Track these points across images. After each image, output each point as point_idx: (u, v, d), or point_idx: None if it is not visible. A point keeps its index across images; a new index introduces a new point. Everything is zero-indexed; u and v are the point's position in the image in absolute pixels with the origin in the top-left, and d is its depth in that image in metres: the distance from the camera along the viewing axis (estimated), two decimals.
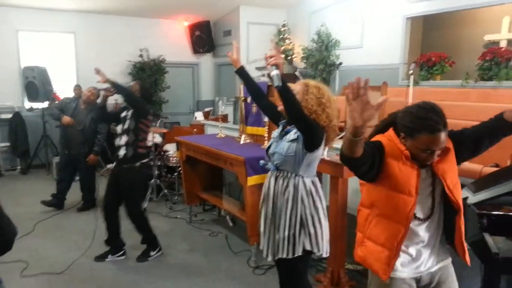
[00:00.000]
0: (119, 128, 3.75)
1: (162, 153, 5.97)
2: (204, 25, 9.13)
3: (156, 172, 5.67)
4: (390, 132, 1.77)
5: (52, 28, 7.84)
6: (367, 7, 7.24)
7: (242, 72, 2.50)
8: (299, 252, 2.28)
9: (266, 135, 3.96)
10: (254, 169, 3.40)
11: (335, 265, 3.15)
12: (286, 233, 2.28)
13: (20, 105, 7.58)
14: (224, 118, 5.60)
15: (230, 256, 3.93)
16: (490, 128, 1.82)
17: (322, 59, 7.69)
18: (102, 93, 3.80)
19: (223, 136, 4.62)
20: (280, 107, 2.23)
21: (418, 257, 1.79)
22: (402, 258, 1.78)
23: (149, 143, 5.70)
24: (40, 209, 5.14)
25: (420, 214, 1.75)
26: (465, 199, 2.25)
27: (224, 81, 9.51)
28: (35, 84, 6.92)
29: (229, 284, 3.41)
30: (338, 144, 3.59)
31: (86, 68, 7.77)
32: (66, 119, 5.14)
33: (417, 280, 1.84)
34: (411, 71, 5.23)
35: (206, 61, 9.76)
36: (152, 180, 5.59)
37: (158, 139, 5.99)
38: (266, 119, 3.86)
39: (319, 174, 3.92)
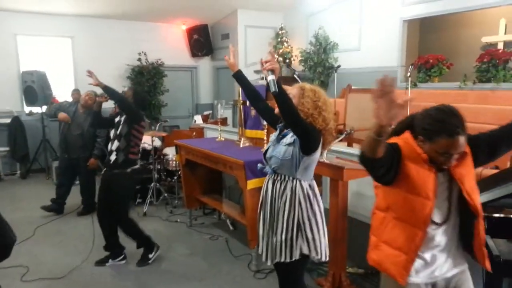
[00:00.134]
0: (111, 133, 3.75)
1: (162, 156, 5.97)
2: (202, 29, 9.16)
3: (156, 176, 5.67)
4: (407, 134, 1.75)
5: (50, 33, 7.86)
6: (364, 10, 7.28)
7: (239, 76, 2.49)
8: (296, 256, 2.29)
9: (265, 138, 3.97)
10: (253, 173, 3.40)
11: (336, 268, 3.15)
12: (283, 237, 2.28)
13: (19, 110, 7.58)
14: (223, 122, 5.60)
15: (230, 260, 3.92)
16: (507, 133, 1.79)
17: (320, 62, 7.73)
18: (98, 98, 3.81)
19: (223, 139, 4.62)
20: (277, 110, 2.23)
21: (433, 262, 1.76)
22: (417, 263, 1.75)
23: (149, 147, 5.72)
24: (39, 214, 5.13)
25: (436, 218, 1.72)
26: None
27: (223, 85, 9.53)
28: (34, 88, 6.92)
29: None
30: (337, 147, 3.61)
31: (84, 73, 7.65)
32: (62, 115, 5.17)
33: (432, 286, 1.81)
34: (409, 73, 5.26)
35: (205, 65, 9.79)
36: (152, 184, 5.59)
37: (157, 142, 5.99)
38: (265, 122, 3.87)
39: (319, 177, 3.95)
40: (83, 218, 5.08)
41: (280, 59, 8.47)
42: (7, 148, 7.39)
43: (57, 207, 5.23)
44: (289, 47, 8.59)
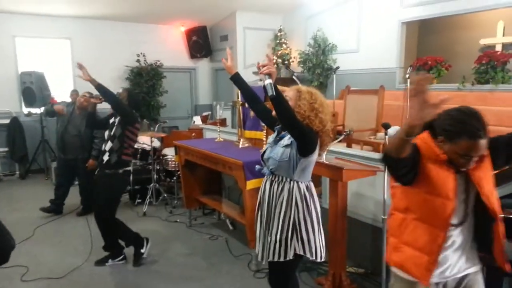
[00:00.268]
0: (106, 134, 3.75)
1: (161, 157, 5.98)
2: (201, 30, 9.17)
3: (155, 176, 5.67)
4: (425, 134, 1.72)
5: (49, 34, 7.85)
6: (363, 12, 7.31)
7: (237, 79, 2.50)
8: (290, 256, 2.30)
9: (264, 139, 3.98)
10: (253, 173, 3.41)
11: (336, 268, 3.16)
12: (278, 237, 2.30)
13: (18, 110, 7.57)
14: (222, 122, 5.61)
15: (230, 259, 3.93)
16: None
17: (319, 64, 7.75)
18: (92, 100, 3.80)
19: (222, 140, 4.63)
20: (274, 113, 2.25)
21: (444, 262, 1.76)
22: None
23: (148, 148, 5.72)
24: (39, 214, 5.13)
25: (454, 220, 1.72)
26: None
27: (222, 86, 9.55)
28: (33, 89, 6.92)
29: None
30: (336, 147, 3.62)
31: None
32: (58, 106, 5.16)
33: (443, 285, 1.81)
34: (408, 75, 5.28)
35: (203, 66, 9.80)
36: (151, 184, 5.59)
37: (156, 143, 5.99)
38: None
39: (318, 177, 3.96)
40: (83, 218, 5.07)
41: (279, 60, 8.49)
42: (6, 149, 7.39)
43: (55, 208, 5.23)
44: (288, 48, 8.61)
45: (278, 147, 2.34)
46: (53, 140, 7.06)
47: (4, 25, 7.37)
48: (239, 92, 4.24)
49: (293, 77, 5.34)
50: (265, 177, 2.46)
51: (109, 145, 3.65)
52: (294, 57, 8.43)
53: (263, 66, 2.17)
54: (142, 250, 3.84)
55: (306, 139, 2.23)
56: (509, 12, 6.01)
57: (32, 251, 4.13)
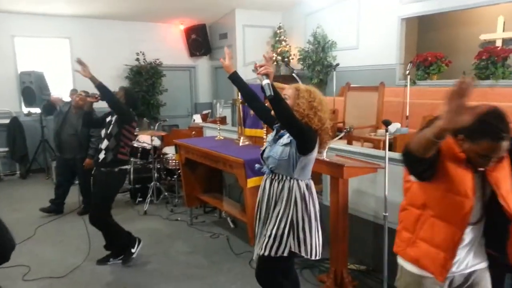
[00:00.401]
0: (102, 132, 3.74)
1: (161, 156, 5.98)
2: (200, 29, 9.16)
3: (156, 175, 5.67)
4: None
5: (48, 34, 7.84)
6: (362, 9, 7.29)
7: (235, 78, 2.50)
8: (283, 253, 2.31)
9: (264, 137, 3.97)
10: (253, 171, 3.40)
11: (337, 265, 3.16)
12: (274, 232, 2.31)
13: (17, 110, 7.57)
14: (223, 121, 5.61)
15: (231, 257, 3.93)
16: None
17: (318, 61, 7.74)
18: (88, 99, 3.79)
19: (222, 138, 4.62)
20: (273, 112, 2.25)
21: None
22: None
23: (148, 146, 5.71)
24: (40, 214, 5.14)
25: (472, 218, 1.70)
26: None
27: (221, 84, 9.54)
28: (32, 89, 6.91)
29: (231, 286, 3.41)
30: (337, 144, 3.62)
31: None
32: (54, 97, 5.17)
33: (450, 281, 1.81)
34: (408, 71, 5.27)
35: (203, 64, 9.79)
36: (152, 183, 5.59)
37: (156, 142, 5.99)
38: None
39: (319, 175, 3.96)
40: (84, 217, 5.06)
41: (279, 58, 8.48)
42: (6, 149, 7.39)
43: (56, 208, 5.23)
44: (288, 46, 8.59)
45: (278, 146, 2.35)
46: (52, 139, 7.07)
47: (3, 24, 7.35)
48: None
49: (293, 74, 5.34)
50: (265, 175, 2.46)
51: (105, 143, 3.65)
52: (294, 55, 8.41)
53: (261, 66, 2.17)
54: (132, 250, 3.81)
55: (305, 138, 2.24)
56: (509, 7, 5.99)
57: (33, 250, 4.13)
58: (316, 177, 4.05)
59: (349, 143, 4.85)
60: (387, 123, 2.82)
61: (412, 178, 1.78)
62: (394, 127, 2.92)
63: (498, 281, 2.11)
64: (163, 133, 6.39)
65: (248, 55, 8.57)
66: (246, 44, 8.65)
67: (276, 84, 2.56)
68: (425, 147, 1.48)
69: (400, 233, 1.93)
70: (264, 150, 2.46)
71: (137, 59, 8.50)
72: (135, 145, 5.72)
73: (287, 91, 2.34)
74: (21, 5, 7.08)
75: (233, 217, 4.56)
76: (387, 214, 2.82)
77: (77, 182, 5.44)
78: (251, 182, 3.43)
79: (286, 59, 8.43)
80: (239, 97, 4.32)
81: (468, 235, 1.74)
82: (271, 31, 8.84)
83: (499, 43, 6.17)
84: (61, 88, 7.56)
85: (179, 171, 5.41)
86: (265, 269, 2.46)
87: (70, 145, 5.12)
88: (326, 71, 7.74)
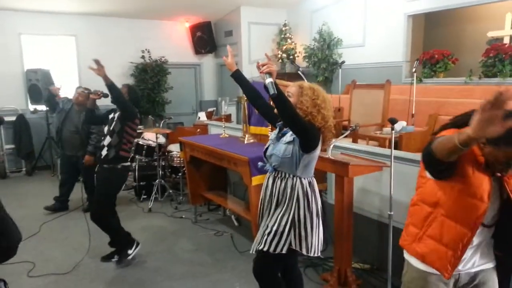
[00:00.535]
0: (105, 129, 3.74)
1: (166, 153, 5.99)
2: (205, 26, 9.15)
3: (161, 172, 5.68)
4: None
5: (54, 31, 7.87)
6: (368, 5, 7.24)
7: (237, 76, 2.49)
8: (282, 250, 2.30)
9: (269, 134, 3.95)
10: (258, 169, 3.38)
11: (341, 264, 3.14)
12: (275, 228, 2.31)
13: (24, 108, 7.61)
14: (227, 118, 5.60)
15: (236, 255, 3.93)
16: None
17: (324, 58, 7.71)
18: (91, 96, 3.79)
19: (227, 136, 4.62)
20: (276, 110, 2.24)
21: None
22: None
23: (153, 144, 5.72)
24: (45, 211, 5.17)
25: (486, 220, 1.69)
26: None
27: (227, 81, 9.53)
28: (38, 86, 6.94)
29: (235, 284, 3.41)
30: (342, 143, 3.60)
31: (87, 71, 7.74)
32: (53, 87, 5.18)
33: (455, 279, 1.81)
34: (414, 69, 5.23)
35: (208, 62, 9.78)
36: (157, 180, 5.60)
37: (161, 139, 6.00)
38: None
39: (324, 173, 3.94)
40: (86, 214, 5.06)
41: (284, 55, 8.45)
42: (13, 146, 7.45)
43: (60, 205, 5.25)
44: (293, 43, 8.56)
45: (281, 144, 2.34)
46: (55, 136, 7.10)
47: (9, 22, 7.39)
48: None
49: (298, 72, 5.31)
50: (268, 173, 2.46)
51: (107, 140, 3.65)
52: (299, 52, 8.38)
53: (263, 65, 2.17)
54: (129, 251, 3.78)
55: (309, 136, 2.23)
56: None
57: (38, 247, 4.16)
58: (321, 176, 4.05)
59: (354, 141, 4.82)
60: (393, 121, 2.79)
61: (428, 174, 1.76)
62: (400, 125, 2.89)
63: (504, 282, 2.09)
64: (168, 131, 6.39)
65: (253, 52, 8.56)
66: (251, 42, 8.63)
67: (280, 82, 2.55)
68: (449, 151, 1.46)
69: (407, 228, 1.93)
70: (267, 148, 2.46)
71: (143, 57, 8.52)
72: (140, 142, 5.74)
73: (291, 88, 2.34)
74: (28, 3, 7.11)
75: (238, 215, 4.55)
76: (392, 213, 2.80)
77: (81, 179, 5.45)
78: (256, 180, 3.42)
79: (291, 57, 8.41)
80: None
81: (479, 236, 1.73)
82: (276, 28, 8.82)
83: (506, 40, 6.10)
84: (67, 86, 7.59)
85: (183, 169, 5.41)
86: (263, 265, 2.46)
87: (71, 142, 5.12)
88: (331, 68, 7.71)
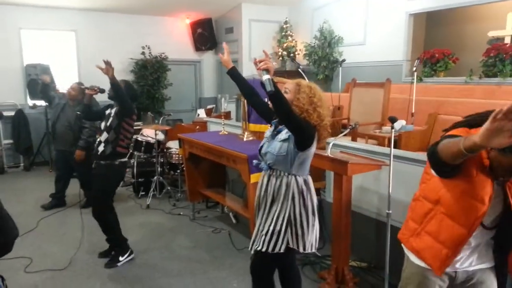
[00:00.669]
0: (102, 125, 3.72)
1: (165, 150, 5.97)
2: (206, 23, 9.12)
3: (159, 169, 5.67)
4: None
5: (54, 26, 7.84)
6: (369, 4, 7.22)
7: (234, 73, 2.49)
8: (280, 249, 2.30)
9: None
10: (257, 167, 3.38)
11: (339, 262, 3.14)
12: (271, 228, 2.30)
13: (23, 103, 7.59)
14: (227, 115, 5.59)
15: (233, 253, 3.92)
16: None
17: (324, 56, 7.69)
18: (87, 91, 3.77)
19: (226, 133, 4.61)
20: (272, 106, 2.23)
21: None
22: None
23: (152, 140, 5.70)
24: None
25: (486, 222, 1.70)
26: None
27: (226, 79, 9.38)
28: (38, 81, 6.92)
29: (233, 281, 3.40)
30: (341, 141, 3.58)
31: (87, 66, 7.79)
32: (43, 76, 5.12)
33: (452, 277, 1.83)
34: (415, 68, 5.21)
35: (208, 59, 9.76)
36: (155, 177, 5.59)
37: (160, 136, 5.98)
38: None
39: (322, 171, 3.93)
40: (87, 210, 5.06)
41: (285, 53, 8.43)
42: (11, 141, 7.42)
43: (57, 202, 5.23)
44: (294, 41, 8.54)
45: (276, 142, 2.34)
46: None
47: (9, 17, 7.36)
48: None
49: (299, 69, 5.29)
50: (263, 172, 2.45)
51: (104, 135, 3.63)
52: (300, 50, 8.36)
53: (260, 61, 2.16)
54: (120, 258, 3.73)
55: (304, 133, 2.23)
56: None
57: (35, 242, 4.15)
58: (320, 174, 4.04)
59: (354, 139, 4.81)
60: (393, 120, 2.78)
61: (433, 172, 1.77)
62: (399, 124, 2.88)
63: (501, 280, 2.09)
64: (167, 127, 6.38)
65: (254, 50, 8.54)
66: (252, 39, 8.61)
67: (280, 79, 2.54)
68: (454, 156, 1.46)
69: (407, 222, 1.95)
70: (262, 146, 2.44)
71: (143, 53, 8.50)
72: (139, 138, 5.72)
73: (288, 85, 2.34)
74: None
75: (236, 212, 4.54)
76: (390, 211, 2.80)
77: (75, 174, 5.39)
78: (255, 177, 3.40)
79: (291, 55, 8.39)
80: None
81: (478, 237, 1.74)
82: (277, 26, 8.80)
83: (507, 40, 6.08)
84: (66, 81, 7.57)
85: (182, 166, 5.40)
86: (261, 264, 2.46)
87: (65, 138, 5.07)
88: (332, 66, 7.69)
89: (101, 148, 3.62)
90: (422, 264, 1.84)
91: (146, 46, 8.51)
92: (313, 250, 2.40)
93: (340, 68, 6.60)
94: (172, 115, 7.61)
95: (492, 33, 6.30)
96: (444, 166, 1.59)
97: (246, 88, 2.53)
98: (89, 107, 3.85)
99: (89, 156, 5.02)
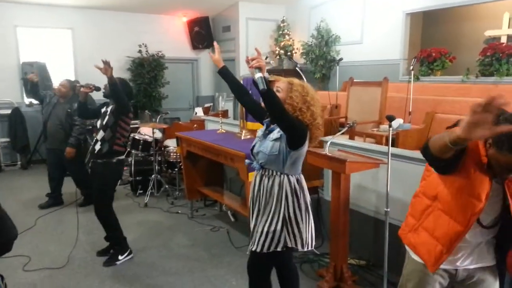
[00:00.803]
0: (98, 123, 3.71)
1: (163, 148, 5.97)
2: (203, 21, 9.11)
3: (157, 167, 5.67)
4: None
5: (50, 24, 7.81)
6: (366, 3, 7.24)
7: (224, 72, 2.49)
8: (277, 248, 2.30)
9: None
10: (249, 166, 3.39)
11: (338, 260, 3.15)
12: (266, 229, 2.30)
13: (19, 101, 7.56)
14: (224, 114, 5.58)
15: (232, 251, 3.93)
16: None
17: (322, 55, 7.70)
18: (82, 89, 3.75)
19: (224, 131, 4.61)
20: (263, 105, 2.23)
21: (457, 253, 1.79)
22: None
23: (150, 139, 5.70)
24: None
25: (484, 221, 1.71)
26: None
27: None
28: (27, 80, 6.88)
29: (231, 279, 3.41)
30: (339, 139, 3.60)
31: (84, 64, 7.77)
32: (30, 75, 5.10)
33: (452, 275, 1.84)
34: (412, 67, 5.24)
35: (205, 57, 9.73)
36: (153, 175, 5.59)
37: (158, 134, 5.98)
38: None
39: (320, 170, 3.94)
40: (84, 208, 5.06)
41: (282, 51, 8.44)
42: (8, 139, 7.39)
43: (54, 201, 5.20)
44: (291, 40, 8.55)
45: (268, 141, 2.32)
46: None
47: (5, 15, 7.33)
48: (242, 82, 4.23)
49: (296, 68, 5.31)
50: (255, 171, 2.43)
51: (101, 134, 3.61)
52: (297, 48, 8.37)
53: (252, 59, 2.14)
54: (120, 257, 3.72)
55: (296, 132, 2.22)
56: None
57: (33, 241, 4.14)
58: (318, 172, 4.05)
59: (351, 138, 4.83)
60: (391, 119, 2.79)
61: (433, 168, 1.79)
62: (396, 122, 2.89)
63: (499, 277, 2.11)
64: (164, 126, 6.38)
65: (251, 48, 8.52)
66: (249, 38, 8.61)
67: (277, 78, 2.54)
68: (442, 149, 1.49)
69: (407, 218, 1.98)
70: (254, 146, 2.44)
71: (140, 51, 8.48)
72: (136, 137, 5.72)
73: (280, 84, 2.32)
74: None
75: (234, 210, 4.55)
76: (388, 209, 2.81)
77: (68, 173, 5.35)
78: (252, 175, 3.40)
79: (289, 53, 8.39)
80: None
81: (478, 236, 1.75)
82: (274, 24, 8.80)
83: (504, 40, 6.13)
84: (62, 79, 7.54)
85: (180, 164, 5.40)
86: (257, 264, 2.46)
87: (56, 136, 5.02)
88: (329, 65, 7.71)
89: (97, 146, 3.61)
90: (420, 260, 1.86)
91: (143, 44, 8.50)
92: (311, 248, 2.41)
93: (337, 67, 6.63)
94: (170, 114, 7.62)
95: (489, 33, 6.34)
96: (437, 160, 1.61)
97: (237, 88, 2.52)
98: (85, 105, 3.83)
99: (80, 153, 5.04)
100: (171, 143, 5.85)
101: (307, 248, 2.37)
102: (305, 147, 2.32)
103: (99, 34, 8.20)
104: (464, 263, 1.80)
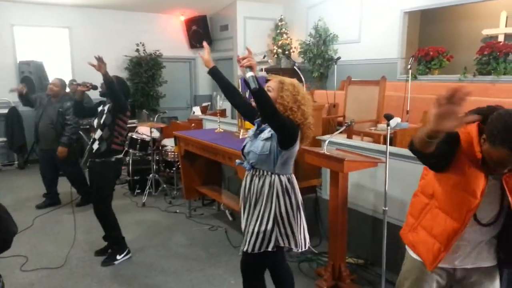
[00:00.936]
0: (95, 122, 3.69)
1: (160, 148, 5.96)
2: (201, 20, 9.10)
3: (155, 167, 5.66)
4: (473, 127, 1.63)
5: (48, 23, 7.79)
6: (364, 2, 7.23)
7: (215, 72, 2.48)
8: (268, 247, 2.29)
9: None
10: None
11: (336, 259, 3.15)
12: (257, 229, 2.28)
13: (16, 100, 7.49)
14: (222, 113, 5.57)
15: (230, 250, 3.93)
16: None
17: (319, 54, 7.70)
18: (79, 88, 3.74)
19: (222, 130, 4.60)
20: (255, 104, 2.22)
21: (455, 251, 1.78)
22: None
23: (147, 138, 5.69)
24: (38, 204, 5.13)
25: (483, 219, 1.70)
26: None
27: None
28: (31, 78, 6.87)
29: (230, 278, 3.41)
30: (337, 138, 3.60)
31: (81, 63, 7.72)
32: (14, 87, 5.17)
33: (450, 274, 1.85)
34: (409, 66, 5.24)
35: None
36: (151, 175, 5.58)
37: (156, 134, 5.97)
38: None
39: (318, 169, 3.94)
40: (82, 208, 5.05)
41: (279, 50, 8.43)
42: (5, 139, 7.37)
43: (51, 201, 5.18)
44: (289, 38, 8.54)
45: (258, 141, 2.31)
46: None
47: (2, 13, 7.30)
48: (240, 82, 4.22)
49: (294, 67, 5.30)
50: (246, 171, 2.42)
51: (98, 133, 3.59)
52: (295, 47, 8.36)
53: (243, 58, 2.14)
54: (118, 257, 3.71)
55: (287, 132, 2.21)
56: None
57: (31, 241, 4.13)
58: (316, 171, 4.05)
59: (349, 137, 4.82)
60: (389, 118, 2.79)
61: (427, 166, 1.80)
62: (394, 121, 2.90)
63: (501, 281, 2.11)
64: (162, 125, 6.37)
65: (249, 47, 8.52)
66: (247, 36, 8.60)
67: (273, 76, 2.53)
68: (421, 143, 1.52)
69: (407, 218, 1.99)
70: (245, 145, 2.43)
71: (137, 50, 8.47)
72: (134, 136, 5.70)
73: (271, 83, 2.31)
74: None
75: (232, 209, 4.55)
76: (386, 208, 2.81)
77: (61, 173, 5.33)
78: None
79: (287, 52, 8.39)
80: (239, 89, 4.29)
81: (478, 235, 1.75)
82: (272, 23, 8.79)
83: (501, 39, 6.14)
84: (54, 78, 7.52)
85: (178, 163, 5.40)
86: (250, 264, 2.45)
87: (47, 136, 4.99)
88: (327, 64, 7.70)
89: (95, 146, 3.59)
90: (419, 258, 1.87)
91: (140, 43, 8.48)
92: (305, 248, 2.39)
93: (335, 66, 6.62)
94: (167, 113, 7.60)
95: (486, 31, 6.35)
96: (424, 157, 1.63)
97: (227, 88, 2.50)
98: (81, 104, 3.80)
99: (73, 153, 5.03)
100: (169, 143, 5.84)
101: (301, 248, 2.36)
102: (296, 147, 2.31)
103: (96, 33, 8.17)
104: (463, 262, 1.80)
